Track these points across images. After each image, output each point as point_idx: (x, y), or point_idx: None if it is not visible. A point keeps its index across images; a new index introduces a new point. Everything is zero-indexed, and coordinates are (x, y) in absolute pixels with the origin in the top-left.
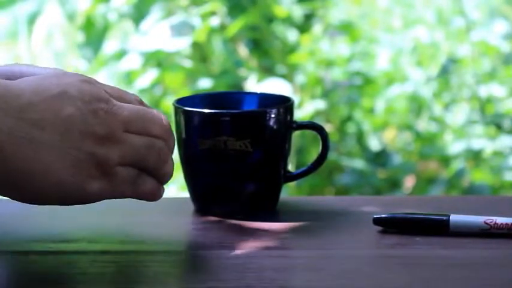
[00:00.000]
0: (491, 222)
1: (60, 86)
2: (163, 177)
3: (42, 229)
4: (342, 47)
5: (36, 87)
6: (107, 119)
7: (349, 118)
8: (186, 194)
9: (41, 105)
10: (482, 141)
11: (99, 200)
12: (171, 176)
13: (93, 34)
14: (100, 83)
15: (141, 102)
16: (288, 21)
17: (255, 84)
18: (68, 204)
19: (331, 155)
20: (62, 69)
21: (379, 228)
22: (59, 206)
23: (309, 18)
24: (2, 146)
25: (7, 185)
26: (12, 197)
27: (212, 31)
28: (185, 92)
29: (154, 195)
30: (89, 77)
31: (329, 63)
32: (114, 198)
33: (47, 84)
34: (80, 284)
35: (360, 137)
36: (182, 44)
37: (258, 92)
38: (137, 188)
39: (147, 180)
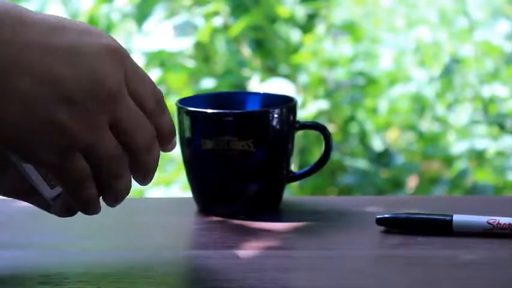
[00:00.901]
0: (494, 222)
1: (76, 42)
2: (111, 192)
3: (42, 227)
4: (345, 47)
5: (48, 33)
6: (101, 102)
7: (352, 118)
8: (188, 194)
9: (33, 52)
10: (485, 141)
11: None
12: (120, 196)
13: None
14: (131, 64)
15: (157, 102)
16: (291, 21)
17: (258, 84)
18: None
19: (334, 155)
20: (95, 30)
21: (382, 228)
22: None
23: (312, 18)
24: None
25: None
26: None
27: (215, 31)
28: (188, 92)
29: (88, 205)
30: (122, 48)
31: (332, 63)
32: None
33: (62, 33)
34: (82, 282)
35: (363, 137)
36: (185, 44)
37: (261, 92)
38: (79, 191)
39: (91, 188)
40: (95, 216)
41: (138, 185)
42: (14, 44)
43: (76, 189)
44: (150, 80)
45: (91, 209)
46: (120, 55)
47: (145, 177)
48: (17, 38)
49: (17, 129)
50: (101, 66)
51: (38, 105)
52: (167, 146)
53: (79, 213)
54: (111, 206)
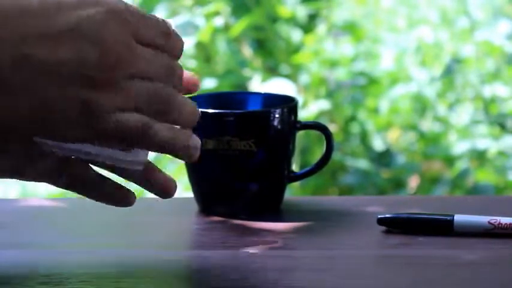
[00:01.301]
0: (495, 222)
1: (72, 20)
2: (179, 123)
3: (42, 227)
4: (345, 47)
5: (42, 19)
6: (114, 65)
7: (353, 118)
8: (189, 194)
9: (30, 42)
10: (487, 141)
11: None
12: (189, 118)
13: None
14: (131, 15)
15: (165, 34)
16: (292, 21)
17: (259, 84)
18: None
19: (335, 155)
20: None
21: (383, 228)
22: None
23: (313, 18)
24: None
25: None
26: None
27: (216, 31)
28: None
29: (172, 148)
30: (120, 7)
31: (333, 63)
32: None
33: (58, 15)
34: (82, 282)
35: (364, 137)
36: (186, 44)
37: (262, 92)
38: (143, 142)
39: (153, 130)
40: (95, 215)
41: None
42: (13, 39)
43: (149, 139)
44: (152, 19)
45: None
46: (119, 13)
47: (186, 121)
48: (16, 31)
49: (38, 124)
50: (104, 35)
51: (48, 91)
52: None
53: (74, 212)
54: (190, 154)
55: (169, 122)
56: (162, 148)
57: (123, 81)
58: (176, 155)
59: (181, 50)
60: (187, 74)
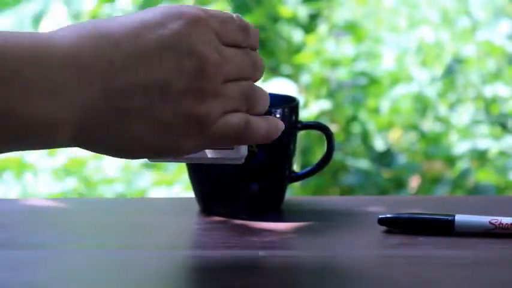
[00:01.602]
0: (496, 222)
1: (163, 36)
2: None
3: (43, 227)
4: (347, 47)
5: (131, 41)
6: (212, 72)
7: (354, 118)
8: (190, 194)
9: (132, 68)
10: (487, 141)
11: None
12: (266, 106)
13: None
14: (210, 17)
15: (243, 28)
16: (293, 21)
17: (260, 84)
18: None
19: (336, 155)
20: (168, 7)
21: (384, 228)
22: (60, 207)
23: (314, 18)
24: (84, 121)
25: (98, 151)
26: (102, 154)
27: None
28: None
29: (269, 136)
30: (199, 12)
31: (334, 63)
32: (215, 147)
33: (147, 34)
34: (82, 283)
35: (365, 137)
36: None
37: None
38: (246, 137)
39: (254, 125)
40: (95, 215)
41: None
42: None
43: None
44: (229, 17)
45: (273, 133)
46: (202, 21)
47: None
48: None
49: (154, 145)
50: (196, 45)
51: (160, 112)
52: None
53: (75, 212)
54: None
55: (255, 113)
56: (262, 140)
57: (221, 86)
58: (270, 140)
59: (258, 40)
60: None
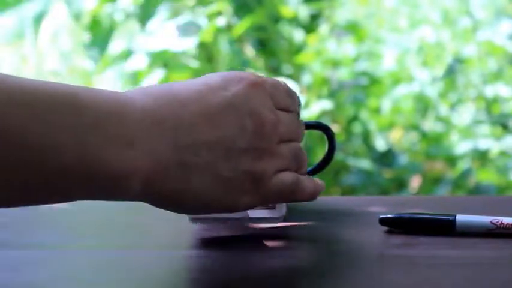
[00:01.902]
0: (497, 222)
1: (226, 98)
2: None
3: (44, 227)
4: (348, 47)
5: (198, 102)
6: (270, 132)
7: (355, 118)
8: None
9: (199, 126)
10: (489, 141)
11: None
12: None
13: (99, 34)
14: (266, 82)
15: (290, 93)
16: (295, 21)
17: None
18: (221, 212)
19: (338, 155)
20: (228, 73)
21: (385, 228)
22: (61, 207)
23: (315, 18)
24: (154, 172)
25: (161, 204)
26: (167, 210)
27: (218, 31)
28: None
29: (314, 195)
30: (257, 78)
31: (335, 63)
32: (266, 205)
33: (212, 97)
34: (83, 282)
35: (366, 137)
36: (188, 44)
37: None
38: (295, 195)
39: (302, 184)
40: (95, 216)
41: None
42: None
43: (292, 192)
44: (279, 84)
45: (315, 192)
46: (259, 85)
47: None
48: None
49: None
50: (255, 107)
51: (222, 168)
52: None
53: (76, 213)
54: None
55: (302, 173)
56: (308, 198)
57: (276, 146)
58: (315, 198)
59: (299, 106)
60: None
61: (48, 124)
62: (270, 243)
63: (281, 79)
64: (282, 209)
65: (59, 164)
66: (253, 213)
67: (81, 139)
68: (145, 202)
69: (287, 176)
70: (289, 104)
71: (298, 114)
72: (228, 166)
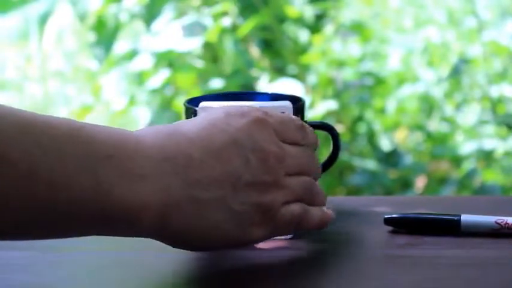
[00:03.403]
0: (502, 222)
1: (230, 134)
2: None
3: None
4: (353, 47)
5: (205, 139)
6: (275, 166)
7: (360, 118)
8: None
9: (207, 162)
10: (494, 142)
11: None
12: (324, 203)
13: (105, 34)
14: (270, 118)
15: (300, 127)
16: (300, 21)
17: (266, 85)
18: (230, 249)
19: (343, 155)
20: (231, 108)
21: (390, 228)
22: None
23: (320, 18)
24: (163, 207)
25: (174, 241)
26: (180, 248)
27: (224, 31)
28: (196, 92)
29: (322, 224)
30: (261, 114)
31: (340, 64)
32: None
33: (216, 132)
34: (85, 282)
35: (371, 137)
36: (194, 44)
37: (270, 92)
38: (302, 225)
39: (310, 213)
40: None
41: None
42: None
43: (299, 226)
44: (287, 118)
45: (323, 223)
46: (262, 120)
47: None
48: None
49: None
50: (259, 142)
51: (232, 202)
52: None
53: None
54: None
55: (312, 205)
56: (315, 227)
57: (282, 179)
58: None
59: (316, 141)
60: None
61: (56, 156)
62: (271, 243)
63: (284, 80)
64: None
65: (68, 197)
66: None
67: (93, 171)
68: (158, 239)
69: (295, 207)
70: (299, 138)
71: (314, 149)
72: (236, 200)
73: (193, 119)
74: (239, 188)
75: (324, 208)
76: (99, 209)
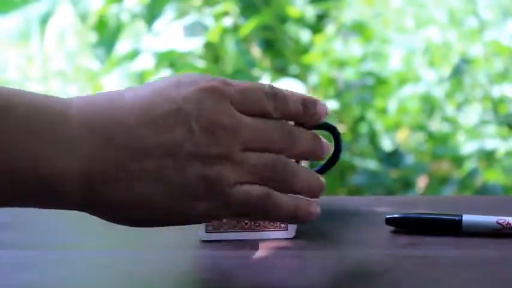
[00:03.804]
0: (503, 222)
1: (175, 102)
2: (300, 193)
3: (50, 227)
4: (354, 47)
5: (143, 106)
6: (225, 138)
7: (361, 118)
8: None
9: (142, 132)
10: (495, 142)
11: (213, 221)
12: (311, 190)
13: (106, 34)
14: (228, 86)
15: (273, 96)
16: (301, 21)
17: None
18: (174, 225)
19: (344, 155)
20: (185, 75)
21: (392, 228)
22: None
23: (321, 18)
24: (86, 176)
25: (106, 214)
26: (112, 222)
27: (225, 31)
28: None
29: (297, 217)
30: (217, 82)
31: (342, 64)
32: (236, 219)
33: (159, 101)
34: (89, 282)
35: (373, 137)
36: (195, 44)
37: None
38: (267, 211)
39: (277, 200)
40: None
41: None
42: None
43: (264, 212)
44: (254, 87)
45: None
46: (214, 89)
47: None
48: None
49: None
50: (203, 111)
51: (170, 175)
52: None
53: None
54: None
55: (292, 193)
56: (287, 219)
57: (237, 154)
58: (297, 221)
59: (303, 113)
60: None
61: None
62: (274, 243)
63: (285, 80)
64: (293, 229)
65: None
66: (265, 234)
67: (19, 140)
68: (90, 213)
69: (254, 188)
70: (269, 108)
71: (303, 123)
72: (176, 172)
73: (144, 85)
74: (180, 159)
75: (304, 199)
76: (27, 178)
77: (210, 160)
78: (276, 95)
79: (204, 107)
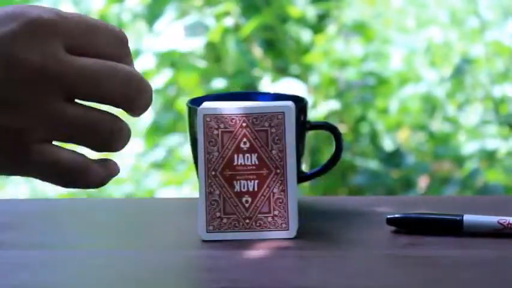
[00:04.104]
0: (504, 222)
1: None
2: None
3: (51, 227)
4: (355, 47)
5: None
6: (34, 82)
7: (362, 118)
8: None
9: None
10: (496, 142)
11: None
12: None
13: None
14: (65, 22)
15: (119, 41)
16: (302, 21)
17: (269, 85)
18: None
19: (345, 155)
20: (15, 8)
21: (393, 228)
22: (69, 207)
23: (322, 18)
24: None
25: None
26: None
27: (226, 31)
28: (199, 92)
29: (104, 181)
30: (46, 15)
31: (343, 64)
32: (35, 177)
33: None
34: (90, 282)
35: (374, 137)
36: (196, 44)
37: (272, 92)
38: (75, 178)
39: (90, 170)
40: (104, 216)
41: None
42: None
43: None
44: (100, 26)
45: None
46: (41, 25)
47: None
48: None
49: None
50: (14, 50)
51: None
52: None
53: (87, 213)
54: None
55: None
56: (94, 186)
57: (54, 103)
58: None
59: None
60: None
61: None
62: (274, 243)
63: (288, 79)
64: (294, 230)
65: None
66: (265, 234)
67: None
68: None
69: (67, 153)
70: (110, 51)
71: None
72: None
73: None
74: None
75: (110, 163)
76: None
77: (13, 106)
78: (122, 42)
79: (18, 45)
